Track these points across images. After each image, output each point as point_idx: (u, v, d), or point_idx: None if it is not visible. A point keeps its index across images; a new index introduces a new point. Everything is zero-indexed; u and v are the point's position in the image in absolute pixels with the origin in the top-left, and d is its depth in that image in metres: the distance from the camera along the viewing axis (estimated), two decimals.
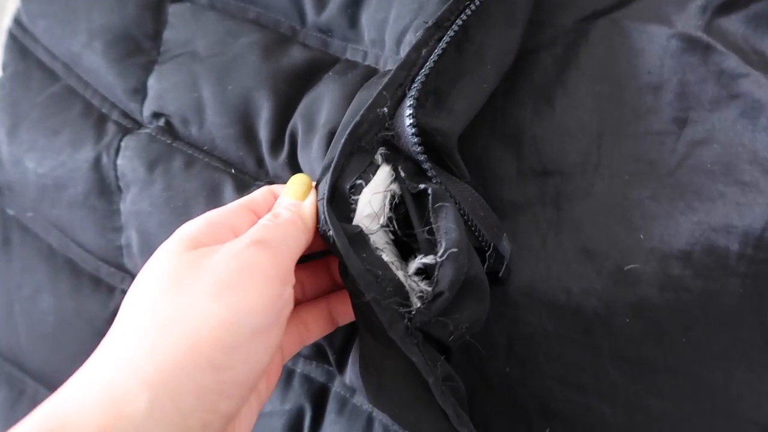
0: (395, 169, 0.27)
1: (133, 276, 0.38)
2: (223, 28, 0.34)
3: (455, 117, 0.28)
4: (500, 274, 0.29)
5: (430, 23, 0.27)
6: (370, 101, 0.26)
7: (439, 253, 0.24)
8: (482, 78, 0.29)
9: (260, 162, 0.33)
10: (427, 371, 0.24)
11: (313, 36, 0.34)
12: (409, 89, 0.26)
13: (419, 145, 0.26)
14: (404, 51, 0.31)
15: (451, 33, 0.27)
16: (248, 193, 0.33)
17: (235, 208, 0.26)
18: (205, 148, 0.34)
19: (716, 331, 0.28)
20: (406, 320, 0.24)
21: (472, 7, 0.28)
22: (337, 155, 0.25)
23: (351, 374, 0.31)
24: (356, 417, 0.32)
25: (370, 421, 0.32)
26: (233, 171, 0.33)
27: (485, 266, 0.28)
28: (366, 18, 0.33)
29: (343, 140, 0.25)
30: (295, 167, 0.33)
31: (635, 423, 0.29)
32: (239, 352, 0.21)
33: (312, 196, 0.26)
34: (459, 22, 0.28)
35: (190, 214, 0.33)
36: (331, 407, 0.33)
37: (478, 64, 0.29)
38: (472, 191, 0.28)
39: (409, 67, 0.27)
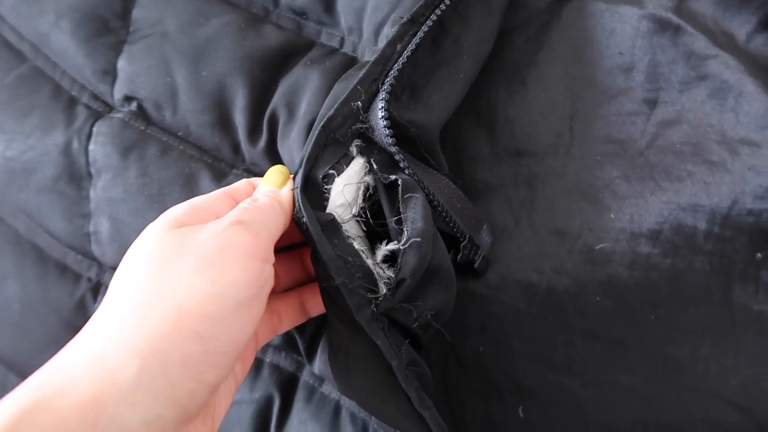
0: (369, 161, 0.27)
1: (99, 264, 0.37)
2: (193, 7, 0.34)
3: (432, 109, 0.29)
4: (476, 266, 0.29)
5: (405, 19, 0.28)
6: (344, 95, 0.27)
7: (402, 242, 0.25)
8: (459, 69, 0.30)
9: (236, 148, 0.33)
10: (391, 355, 0.25)
11: (287, 17, 0.34)
12: (383, 84, 0.27)
13: (391, 137, 0.26)
14: (382, 43, 0.31)
15: (425, 28, 0.28)
16: (225, 183, 0.33)
17: (217, 194, 0.27)
18: (179, 133, 0.33)
19: (684, 308, 0.29)
20: (372, 305, 0.25)
21: (447, 1, 0.29)
22: (310, 146, 0.26)
23: (320, 363, 0.31)
24: (324, 405, 0.33)
25: (337, 408, 0.32)
26: (209, 159, 0.33)
27: (459, 256, 0.28)
28: (342, 4, 0.33)
29: (316, 132, 0.26)
30: (274, 155, 0.33)
31: (606, 399, 0.29)
32: (223, 324, 0.22)
33: (289, 184, 0.27)
34: (434, 17, 0.28)
35: (164, 202, 0.32)
36: (299, 396, 0.33)
37: (455, 55, 0.30)
38: (449, 183, 0.29)
39: (383, 62, 0.28)
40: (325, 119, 0.26)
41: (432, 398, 0.26)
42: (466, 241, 0.28)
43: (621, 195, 0.30)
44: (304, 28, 0.34)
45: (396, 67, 0.27)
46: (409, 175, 0.27)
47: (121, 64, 0.35)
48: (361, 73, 0.27)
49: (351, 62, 0.32)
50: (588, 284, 0.29)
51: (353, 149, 0.27)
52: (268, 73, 0.32)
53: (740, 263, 0.29)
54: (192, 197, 0.31)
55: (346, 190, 0.26)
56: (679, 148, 0.30)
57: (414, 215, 0.25)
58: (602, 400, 0.29)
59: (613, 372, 0.29)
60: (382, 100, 0.26)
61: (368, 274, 0.25)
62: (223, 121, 0.33)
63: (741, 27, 0.31)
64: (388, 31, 0.31)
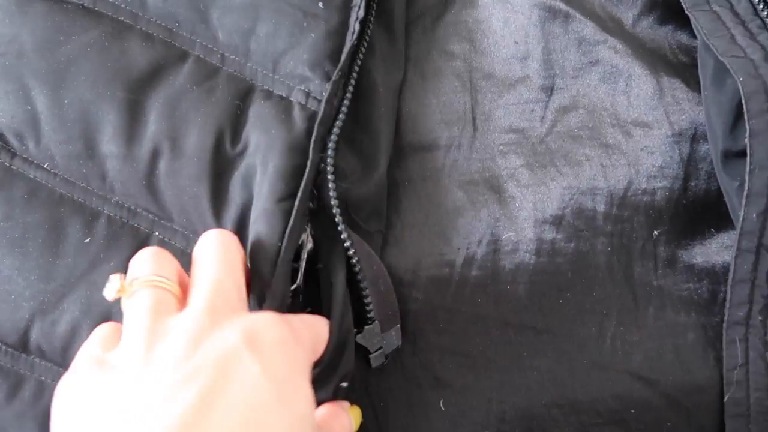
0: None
1: None
2: (52, 24, 0.31)
3: (363, 155, 0.29)
4: (371, 354, 0.29)
5: (336, 76, 0.28)
6: (307, 172, 0.26)
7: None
8: (378, 104, 0.30)
9: (104, 178, 0.31)
10: None
11: (157, 24, 0.32)
12: (328, 144, 0.27)
13: (338, 206, 0.26)
14: (287, 77, 0.30)
15: (353, 82, 0.29)
16: (96, 228, 0.30)
17: None
18: (45, 165, 0.31)
19: (589, 289, 0.30)
20: None
21: (363, 49, 0.29)
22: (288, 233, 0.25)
23: None
24: None
25: None
26: (79, 197, 0.31)
27: (359, 336, 0.28)
28: (220, 18, 0.31)
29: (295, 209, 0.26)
30: (152, 187, 0.30)
31: (521, 384, 0.30)
32: None
33: None
34: (356, 67, 0.29)
35: (26, 247, 0.30)
36: None
37: (371, 90, 0.30)
38: (381, 264, 0.28)
39: (327, 121, 0.28)
40: (300, 195, 0.26)
41: None
42: (372, 325, 0.28)
43: (524, 183, 0.30)
44: (177, 37, 0.32)
45: (337, 124, 0.28)
46: (344, 243, 0.27)
47: None
48: (313, 137, 0.27)
49: (240, 85, 0.31)
50: (498, 274, 0.30)
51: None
52: (135, 93, 0.30)
53: (639, 241, 0.30)
54: (57, 243, 0.29)
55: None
56: (576, 133, 0.31)
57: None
58: (518, 385, 0.30)
59: (526, 357, 0.30)
60: (330, 165, 0.27)
61: None
62: (89, 151, 0.30)
63: (627, 11, 0.32)
64: (302, 71, 0.30)
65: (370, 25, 0.30)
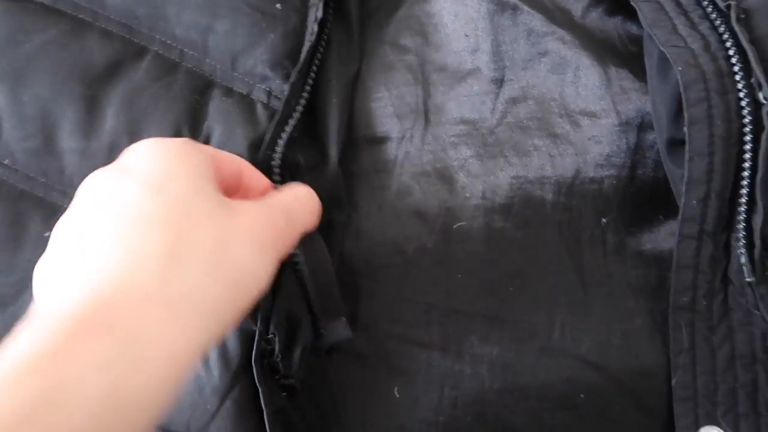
0: None
1: None
2: (13, 22, 0.32)
3: (320, 145, 0.30)
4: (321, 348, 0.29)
5: (294, 78, 0.29)
6: (261, 155, 0.28)
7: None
8: (330, 94, 0.31)
9: (63, 172, 0.32)
10: (267, 402, 0.25)
11: (116, 21, 0.33)
12: (280, 138, 0.28)
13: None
14: (247, 74, 0.31)
15: (310, 81, 0.30)
16: (55, 221, 0.31)
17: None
18: (5, 161, 0.32)
19: (539, 277, 0.30)
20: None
21: (321, 48, 0.30)
22: None
23: None
24: None
25: None
26: (40, 192, 0.31)
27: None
28: (177, 14, 0.32)
29: None
30: None
31: (473, 371, 0.30)
32: None
33: None
34: (314, 67, 0.30)
35: None
36: None
37: (325, 81, 0.31)
38: (326, 257, 0.28)
39: (284, 122, 0.29)
40: None
41: None
42: (309, 316, 0.28)
43: (474, 173, 0.31)
44: (136, 34, 0.33)
45: (292, 122, 0.29)
46: None
47: None
48: (267, 136, 0.28)
49: (199, 81, 0.31)
50: (449, 263, 0.30)
51: None
52: (93, 88, 0.31)
53: (588, 229, 0.30)
54: (17, 237, 0.30)
55: None
56: (526, 124, 0.31)
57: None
58: (470, 372, 0.30)
59: (477, 345, 0.30)
60: (278, 162, 0.27)
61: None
62: (49, 146, 0.31)
63: (576, 2, 0.32)
64: (262, 71, 0.30)
65: (328, 24, 0.30)
